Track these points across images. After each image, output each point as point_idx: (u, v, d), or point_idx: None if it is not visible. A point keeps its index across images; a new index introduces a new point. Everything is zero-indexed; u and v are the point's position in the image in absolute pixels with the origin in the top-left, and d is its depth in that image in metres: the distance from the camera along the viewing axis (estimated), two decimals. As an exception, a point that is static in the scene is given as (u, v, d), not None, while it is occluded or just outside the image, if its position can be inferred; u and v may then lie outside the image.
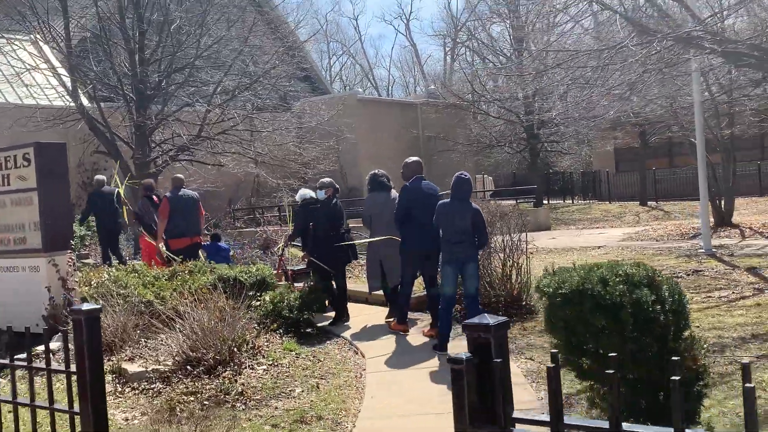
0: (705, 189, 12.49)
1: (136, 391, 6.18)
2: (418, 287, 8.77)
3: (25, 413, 4.02)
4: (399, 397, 5.79)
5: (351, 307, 9.12)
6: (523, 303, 8.07)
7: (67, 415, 3.08)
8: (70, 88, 16.74)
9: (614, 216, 22.69)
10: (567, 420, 1.78)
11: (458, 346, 7.01)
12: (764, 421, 4.39)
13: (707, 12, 10.67)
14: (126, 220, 13.19)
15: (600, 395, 3.99)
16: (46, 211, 8.02)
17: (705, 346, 3.89)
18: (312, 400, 5.72)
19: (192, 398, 5.83)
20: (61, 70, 17.70)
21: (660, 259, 11.63)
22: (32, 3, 15.89)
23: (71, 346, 3.00)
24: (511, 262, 8.18)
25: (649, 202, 25.04)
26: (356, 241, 9.40)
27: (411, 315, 8.35)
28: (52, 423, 3.16)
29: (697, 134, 12.62)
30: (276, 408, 5.58)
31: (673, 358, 2.38)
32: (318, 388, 6.07)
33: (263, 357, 6.86)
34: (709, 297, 8.20)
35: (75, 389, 2.99)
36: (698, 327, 6.44)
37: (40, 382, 4.87)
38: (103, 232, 12.73)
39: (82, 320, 2.83)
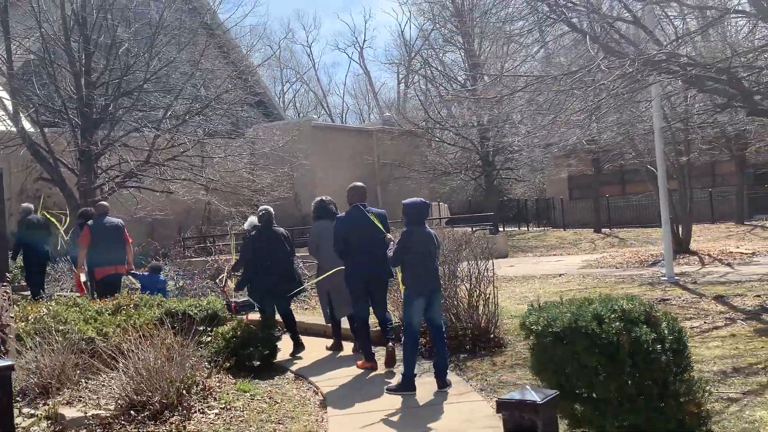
0: (667, 215, 12.38)
1: (73, 441, 5.58)
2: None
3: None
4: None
5: (310, 341, 8.68)
6: (491, 335, 7.68)
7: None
8: (11, 111, 15.96)
9: (570, 243, 22.64)
10: None
11: (424, 384, 6.56)
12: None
13: (666, 39, 10.61)
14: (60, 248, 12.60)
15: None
16: (-24, 241, 7.37)
17: (708, 388, 3.53)
18: (269, 449, 5.21)
19: (135, 449, 5.27)
20: (3, 93, 16.88)
21: (623, 287, 11.42)
22: (-30, 24, 15.15)
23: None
24: (478, 291, 7.80)
25: (603, 229, 25.13)
26: (306, 285, 9.20)
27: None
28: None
29: (657, 161, 12.53)
30: (229, 458, 5.05)
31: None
32: (275, 434, 5.56)
33: (215, 399, 6.31)
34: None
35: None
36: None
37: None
38: (30, 261, 12.18)
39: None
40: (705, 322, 8.04)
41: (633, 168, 25.11)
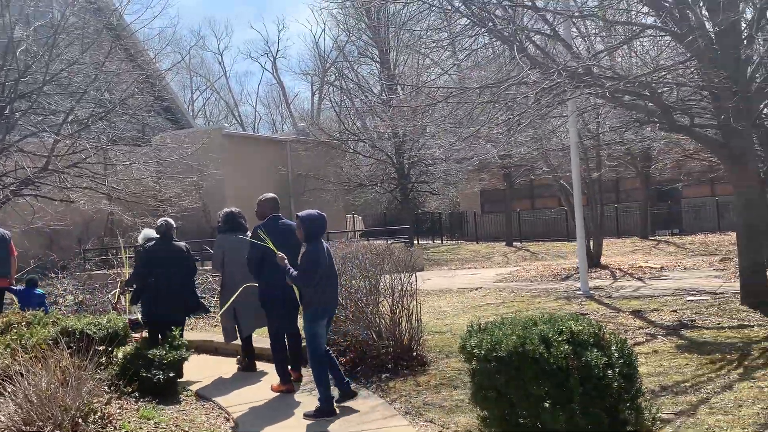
0: (582, 230, 12.49)
1: (-53, 482, 4.91)
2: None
3: None
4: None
5: (206, 359, 8.35)
6: (414, 353, 7.37)
7: None
8: None
9: (483, 256, 22.78)
10: None
11: (344, 408, 6.19)
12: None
13: (583, 55, 10.69)
14: None
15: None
16: None
17: (658, 415, 3.32)
18: (176, 484, 4.72)
19: (21, 489, 4.66)
20: None
21: (540, 301, 11.39)
22: None
23: None
24: (400, 307, 7.48)
25: (514, 243, 25.51)
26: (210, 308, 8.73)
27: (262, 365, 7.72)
28: None
29: (573, 175, 12.64)
30: (131, 497, 4.53)
31: None
32: (183, 466, 5.06)
33: (115, 429, 5.73)
34: (601, 342, 7.88)
35: None
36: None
37: None
38: None
39: None
40: (627, 338, 7.99)
41: (543, 183, 25.67)
